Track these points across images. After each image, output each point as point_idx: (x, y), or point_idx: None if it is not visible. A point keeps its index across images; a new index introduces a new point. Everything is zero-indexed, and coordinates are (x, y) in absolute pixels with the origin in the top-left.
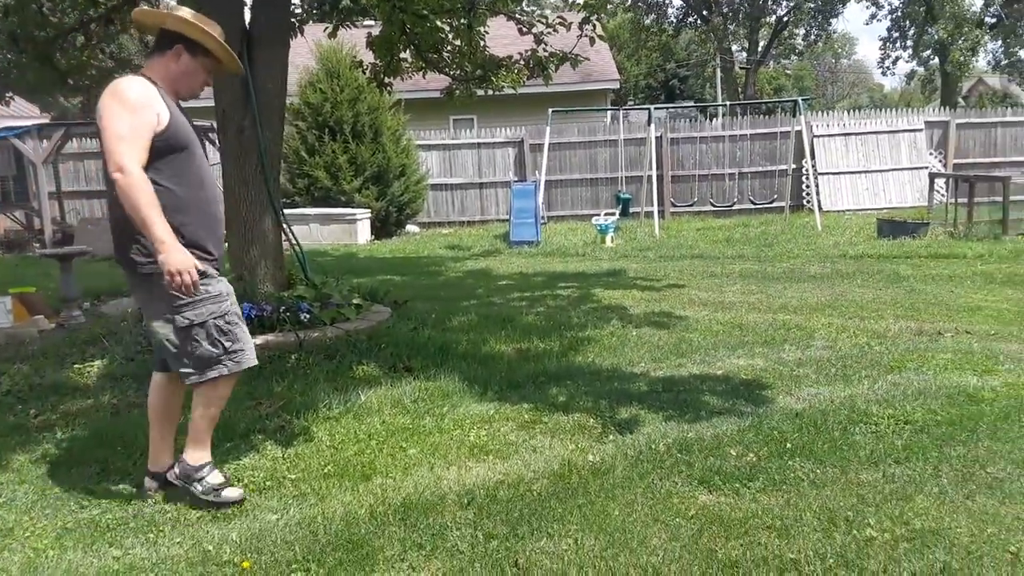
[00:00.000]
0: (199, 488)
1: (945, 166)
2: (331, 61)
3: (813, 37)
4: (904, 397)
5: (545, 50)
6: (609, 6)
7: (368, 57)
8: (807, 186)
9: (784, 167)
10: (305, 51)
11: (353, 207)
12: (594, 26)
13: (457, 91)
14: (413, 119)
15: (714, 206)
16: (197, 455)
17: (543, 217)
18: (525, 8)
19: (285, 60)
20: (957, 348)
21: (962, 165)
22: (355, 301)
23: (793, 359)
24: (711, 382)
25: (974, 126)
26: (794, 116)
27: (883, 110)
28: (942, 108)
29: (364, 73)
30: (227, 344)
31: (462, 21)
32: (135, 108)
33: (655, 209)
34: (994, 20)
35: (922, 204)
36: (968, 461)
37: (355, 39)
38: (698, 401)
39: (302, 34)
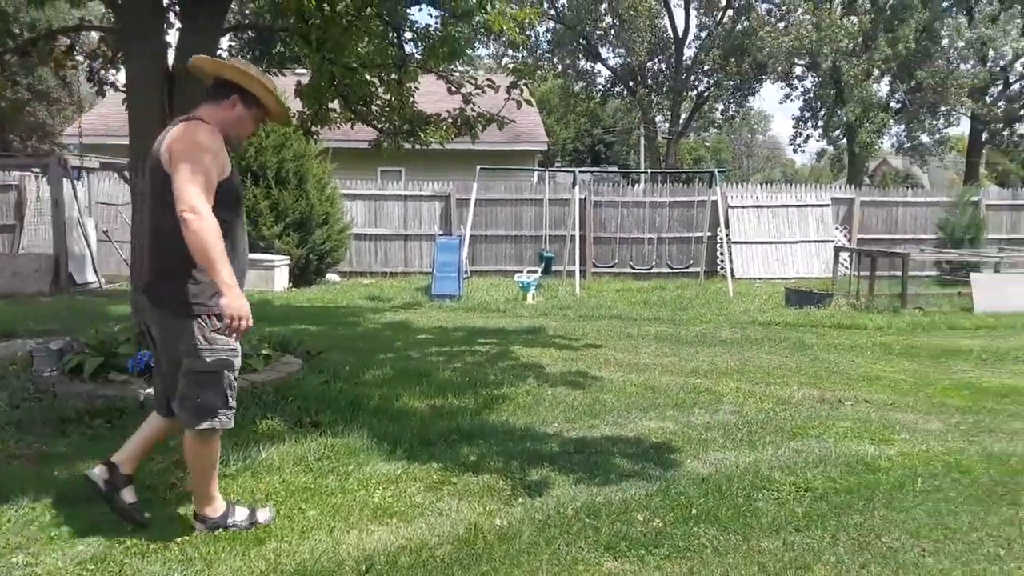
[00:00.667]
0: (236, 529)
1: (850, 240)
2: None
3: (731, 113)
4: (805, 464)
5: (473, 110)
6: (539, 72)
7: (296, 105)
8: (721, 254)
9: (700, 234)
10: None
11: (272, 253)
12: (521, 91)
13: (385, 143)
14: (340, 168)
15: (633, 268)
16: (213, 508)
17: (466, 272)
18: (459, 68)
19: None
20: (856, 416)
21: (865, 240)
22: (264, 351)
23: (702, 423)
24: (622, 444)
25: (877, 204)
26: (710, 187)
27: (794, 185)
28: (849, 186)
29: (291, 120)
30: (229, 400)
31: (392, 76)
32: (212, 153)
33: (577, 269)
34: (899, 105)
35: (827, 276)
36: (864, 530)
37: (284, 86)
38: (609, 464)
39: None
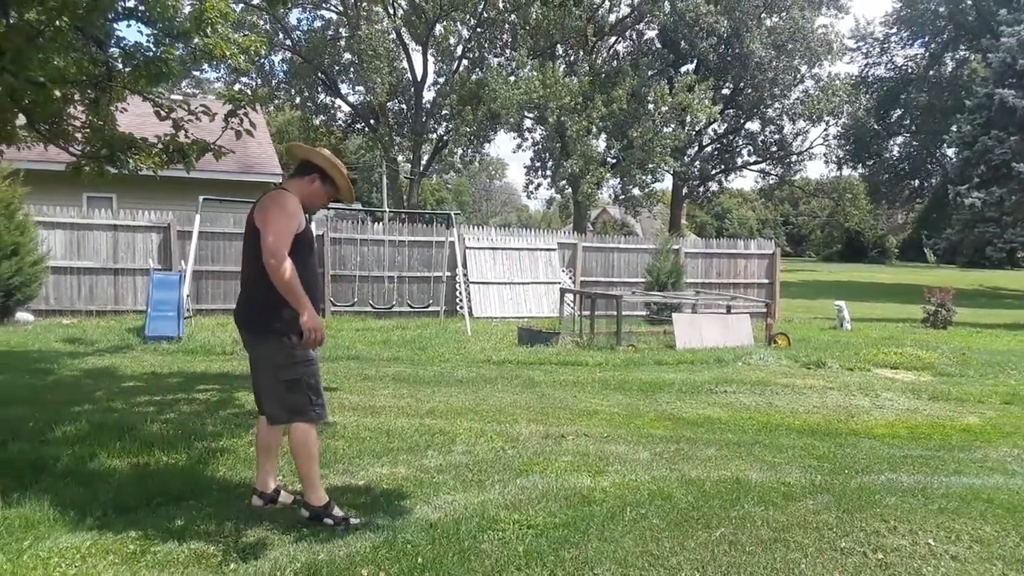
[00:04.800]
0: (330, 521)
1: (574, 282)
2: None
3: (469, 158)
4: (529, 501)
5: (187, 136)
6: (276, 102)
7: None
8: (459, 293)
9: (440, 274)
10: None
11: None
12: (241, 120)
13: (87, 167)
14: (36, 192)
15: (374, 307)
16: (316, 497)
17: (188, 310)
18: (181, 91)
19: None
20: (576, 450)
21: (587, 282)
22: None
23: (435, 465)
24: (351, 494)
25: (596, 249)
26: (447, 228)
27: (527, 229)
28: (573, 232)
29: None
30: (313, 398)
31: (88, 93)
32: (291, 215)
33: None
34: (614, 160)
35: (555, 315)
36: (579, 563)
37: None
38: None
39: None
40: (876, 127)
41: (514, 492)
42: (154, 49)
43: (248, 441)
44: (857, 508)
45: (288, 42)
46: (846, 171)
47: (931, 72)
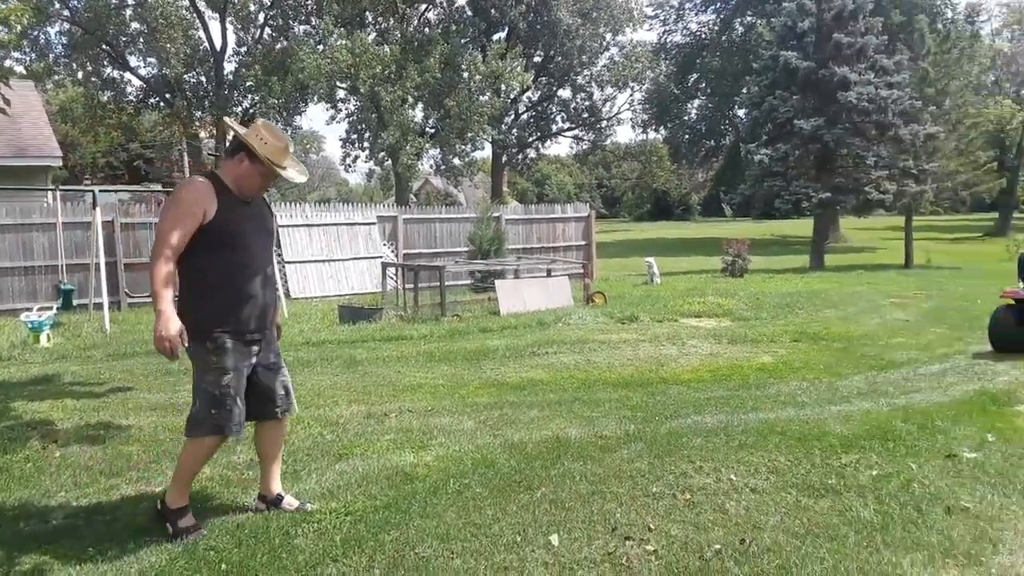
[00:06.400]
0: (170, 529)
1: (396, 255)
2: None
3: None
4: (348, 486)
5: None
6: (54, 78)
7: None
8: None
9: None
10: None
11: None
12: None
13: None
14: None
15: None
16: (173, 498)
17: None
18: None
19: None
20: (399, 427)
21: (411, 255)
22: None
23: (244, 461)
24: (148, 503)
25: (418, 221)
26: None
27: (346, 204)
28: (395, 205)
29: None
30: (213, 411)
31: None
32: (182, 209)
33: (105, 300)
34: (433, 131)
35: (378, 290)
36: (400, 544)
37: None
38: (127, 530)
39: None
40: (676, 91)
41: (332, 479)
42: None
43: (25, 457)
44: (667, 452)
45: (66, 12)
46: (651, 134)
47: (723, 37)
